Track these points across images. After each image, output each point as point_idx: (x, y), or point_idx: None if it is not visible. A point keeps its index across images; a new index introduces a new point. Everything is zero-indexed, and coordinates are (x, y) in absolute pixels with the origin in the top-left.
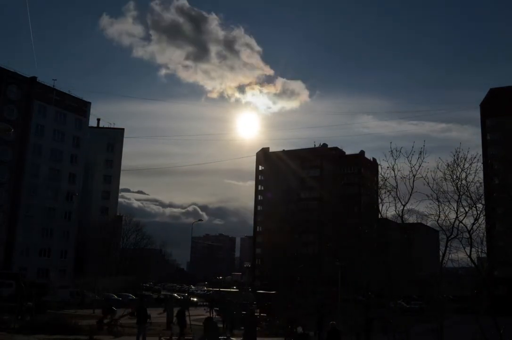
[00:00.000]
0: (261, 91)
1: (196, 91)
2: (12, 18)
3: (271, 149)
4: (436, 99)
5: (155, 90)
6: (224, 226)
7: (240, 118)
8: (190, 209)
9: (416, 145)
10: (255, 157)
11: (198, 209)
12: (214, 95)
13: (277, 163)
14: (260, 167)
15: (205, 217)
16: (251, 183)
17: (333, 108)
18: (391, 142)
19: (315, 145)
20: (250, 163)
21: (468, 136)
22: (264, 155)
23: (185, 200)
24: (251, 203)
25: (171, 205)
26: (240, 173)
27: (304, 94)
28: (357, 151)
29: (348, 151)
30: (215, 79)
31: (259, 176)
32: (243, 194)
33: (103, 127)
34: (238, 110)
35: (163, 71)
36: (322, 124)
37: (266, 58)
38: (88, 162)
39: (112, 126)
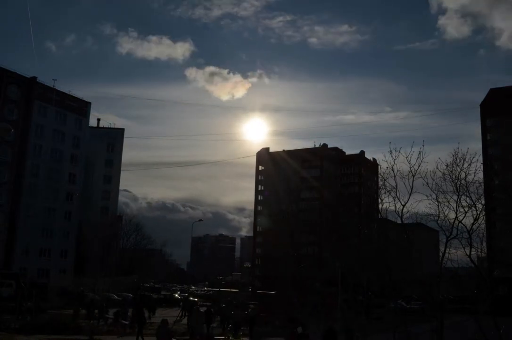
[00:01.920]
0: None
1: (197, 90)
2: (12, 18)
3: (271, 149)
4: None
5: (148, 88)
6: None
7: (240, 118)
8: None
9: (415, 143)
10: (255, 157)
11: (179, 206)
12: (216, 93)
13: (277, 163)
14: (260, 168)
15: (181, 208)
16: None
17: (335, 106)
18: (390, 143)
19: (315, 145)
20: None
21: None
22: (264, 155)
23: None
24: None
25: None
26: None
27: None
28: (357, 150)
29: (349, 147)
30: (216, 79)
31: (259, 176)
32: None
33: (103, 127)
34: (238, 110)
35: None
36: (323, 122)
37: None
38: (88, 162)
39: (112, 126)
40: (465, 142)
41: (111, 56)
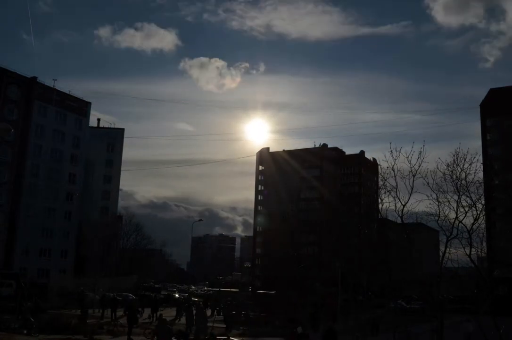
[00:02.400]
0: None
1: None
2: (12, 18)
3: (271, 149)
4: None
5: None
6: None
7: (240, 118)
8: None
9: (415, 144)
10: (253, 156)
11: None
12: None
13: (277, 163)
14: (260, 168)
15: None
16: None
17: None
18: (390, 143)
19: (315, 145)
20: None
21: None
22: (264, 155)
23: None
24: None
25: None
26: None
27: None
28: (357, 150)
29: (349, 147)
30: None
31: (259, 176)
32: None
33: (103, 127)
34: (238, 110)
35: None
36: (322, 122)
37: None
38: (88, 162)
39: (112, 126)
40: (465, 139)
41: (98, 52)
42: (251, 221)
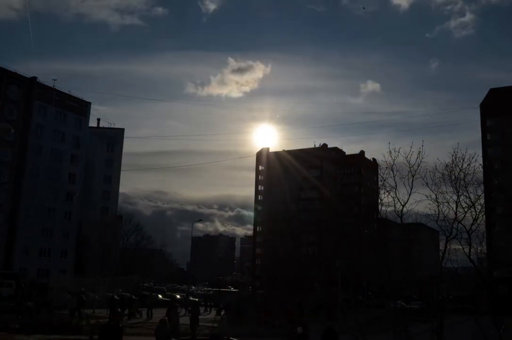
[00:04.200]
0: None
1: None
2: (12, 18)
3: (271, 149)
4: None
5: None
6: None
7: (241, 118)
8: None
9: (414, 144)
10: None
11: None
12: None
13: (277, 163)
14: (260, 168)
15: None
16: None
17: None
18: (389, 143)
19: (315, 145)
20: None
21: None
22: (264, 155)
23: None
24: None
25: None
26: None
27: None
28: (357, 150)
29: (349, 147)
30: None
31: (259, 176)
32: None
33: (103, 127)
34: (239, 110)
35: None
36: (321, 122)
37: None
38: (88, 162)
39: (112, 126)
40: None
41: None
42: (229, 216)
